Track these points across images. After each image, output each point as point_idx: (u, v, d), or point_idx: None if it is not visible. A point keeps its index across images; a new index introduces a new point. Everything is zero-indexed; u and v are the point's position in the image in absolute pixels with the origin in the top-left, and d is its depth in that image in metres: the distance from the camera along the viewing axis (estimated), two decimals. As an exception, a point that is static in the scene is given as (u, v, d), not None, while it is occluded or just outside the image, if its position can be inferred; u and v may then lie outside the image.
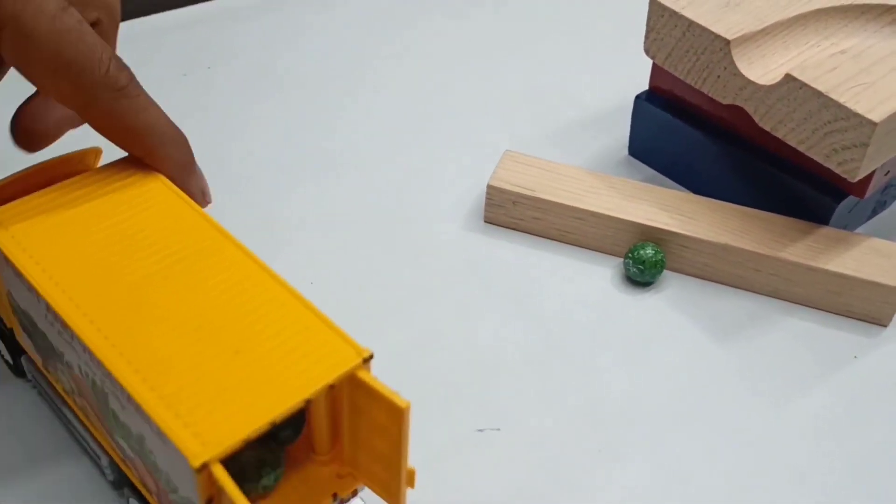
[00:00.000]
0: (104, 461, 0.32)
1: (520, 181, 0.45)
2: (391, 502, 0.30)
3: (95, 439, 0.32)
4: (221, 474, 0.25)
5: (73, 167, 0.34)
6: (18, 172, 0.32)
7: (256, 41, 0.57)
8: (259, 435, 0.26)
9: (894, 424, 0.38)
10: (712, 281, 0.43)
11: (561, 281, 0.43)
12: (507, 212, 0.45)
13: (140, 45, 0.56)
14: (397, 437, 0.27)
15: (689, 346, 0.41)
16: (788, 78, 0.39)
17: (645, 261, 0.42)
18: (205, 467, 0.25)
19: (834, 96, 0.38)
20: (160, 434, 0.26)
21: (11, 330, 0.34)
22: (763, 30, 0.41)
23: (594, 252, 0.45)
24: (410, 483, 0.29)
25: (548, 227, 0.45)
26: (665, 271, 0.44)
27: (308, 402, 0.27)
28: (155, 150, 0.33)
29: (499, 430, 0.37)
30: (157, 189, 0.33)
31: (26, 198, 0.32)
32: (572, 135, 0.52)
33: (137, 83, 0.32)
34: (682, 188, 0.48)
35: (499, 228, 0.46)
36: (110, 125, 0.32)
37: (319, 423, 0.29)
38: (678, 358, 0.40)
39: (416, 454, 0.36)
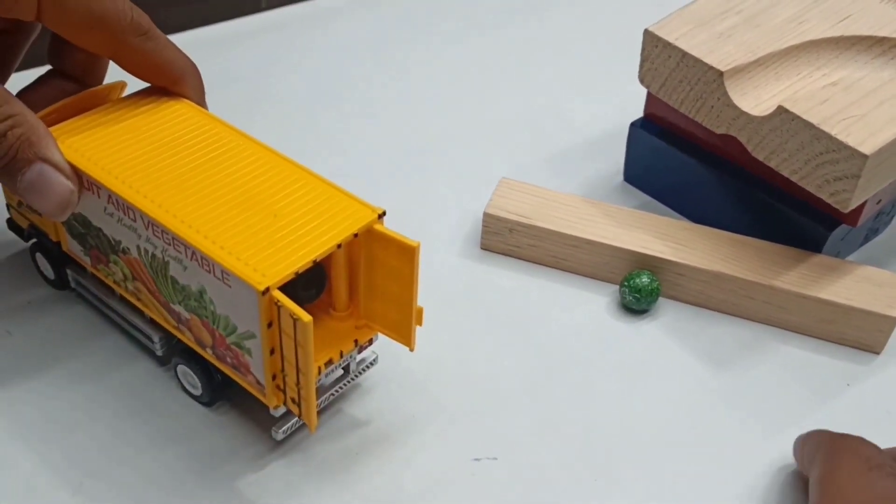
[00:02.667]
0: (155, 337, 0.38)
1: (516, 209, 0.45)
2: (403, 340, 0.36)
3: (146, 319, 0.38)
4: (280, 296, 0.31)
5: (104, 97, 0.39)
6: (58, 103, 0.38)
7: (252, 66, 0.58)
8: (304, 270, 0.32)
9: (887, 452, 0.38)
10: (707, 308, 0.44)
11: (557, 308, 0.44)
12: (504, 239, 0.45)
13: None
14: (409, 276, 0.34)
15: (685, 374, 0.41)
16: (781, 109, 0.40)
17: (641, 289, 0.42)
18: (267, 291, 0.30)
19: (825, 128, 0.38)
20: (224, 274, 0.31)
21: (58, 243, 0.39)
22: (756, 61, 0.42)
23: (590, 279, 0.45)
24: (419, 321, 0.36)
25: (544, 254, 0.45)
26: (660, 298, 0.44)
27: (333, 254, 0.33)
28: (178, 79, 0.39)
29: (495, 459, 0.37)
30: (184, 107, 0.39)
31: (73, 119, 0.37)
32: (568, 161, 0.52)
33: (155, 26, 0.38)
34: (677, 214, 0.49)
35: (495, 255, 0.46)
36: (140, 64, 0.38)
37: (339, 280, 0.35)
38: (674, 386, 0.40)
39: (413, 483, 0.36)
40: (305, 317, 0.30)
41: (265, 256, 0.32)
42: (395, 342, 0.36)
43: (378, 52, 0.60)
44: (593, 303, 0.44)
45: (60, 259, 0.40)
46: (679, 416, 0.39)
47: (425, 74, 0.58)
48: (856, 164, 0.38)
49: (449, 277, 0.45)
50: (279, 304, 0.31)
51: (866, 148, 0.38)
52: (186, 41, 0.59)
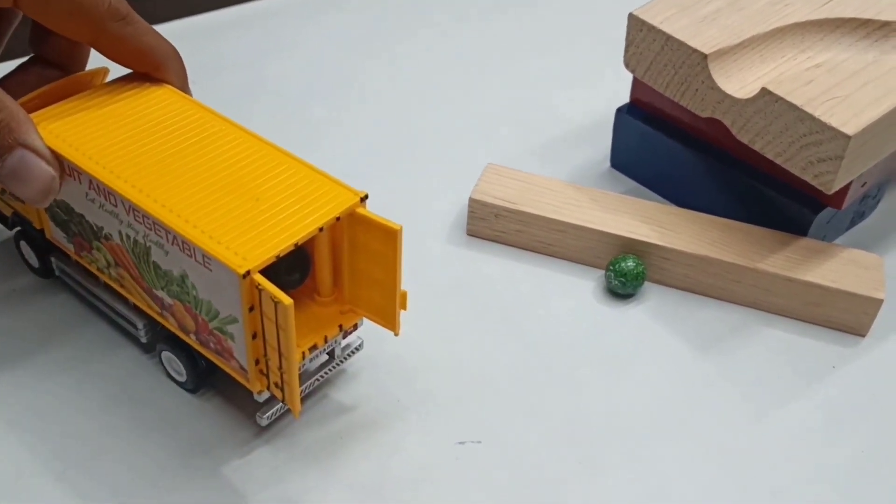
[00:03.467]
0: (140, 324, 0.38)
1: (502, 194, 0.45)
2: (388, 324, 0.36)
3: (130, 306, 0.38)
4: (261, 279, 0.31)
5: (86, 83, 0.39)
6: (41, 89, 0.38)
7: (241, 56, 0.58)
8: (286, 253, 0.31)
9: (872, 433, 0.38)
10: (693, 292, 0.44)
11: (543, 293, 0.44)
12: (490, 225, 0.45)
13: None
14: (392, 260, 0.34)
15: (670, 358, 0.41)
16: (764, 91, 0.40)
17: (626, 273, 0.42)
18: (248, 274, 0.30)
19: (809, 110, 0.38)
20: (205, 259, 0.31)
21: (41, 231, 0.39)
22: (740, 44, 0.42)
23: (576, 264, 0.45)
24: (403, 305, 0.36)
25: (530, 239, 0.45)
26: (646, 283, 0.44)
27: (316, 237, 0.33)
28: (160, 65, 0.39)
29: (480, 442, 0.37)
30: (166, 92, 0.39)
31: (54, 105, 0.37)
32: (554, 148, 0.52)
33: (135, 12, 0.38)
34: (664, 200, 0.49)
35: (481, 241, 0.46)
36: (120, 50, 0.38)
37: (322, 265, 0.35)
38: (659, 370, 0.40)
39: (399, 468, 0.36)
40: (286, 299, 0.30)
41: (246, 240, 0.32)
42: (380, 327, 0.36)
43: (367, 42, 0.60)
44: (579, 287, 0.44)
45: (44, 247, 0.40)
46: (665, 399, 0.39)
47: (414, 64, 0.58)
48: (839, 145, 0.38)
49: (435, 264, 0.45)
50: (260, 287, 0.31)
51: (849, 128, 0.37)
52: (176, 30, 0.59)
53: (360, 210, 0.33)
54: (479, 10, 0.63)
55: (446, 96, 0.56)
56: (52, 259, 0.40)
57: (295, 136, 0.52)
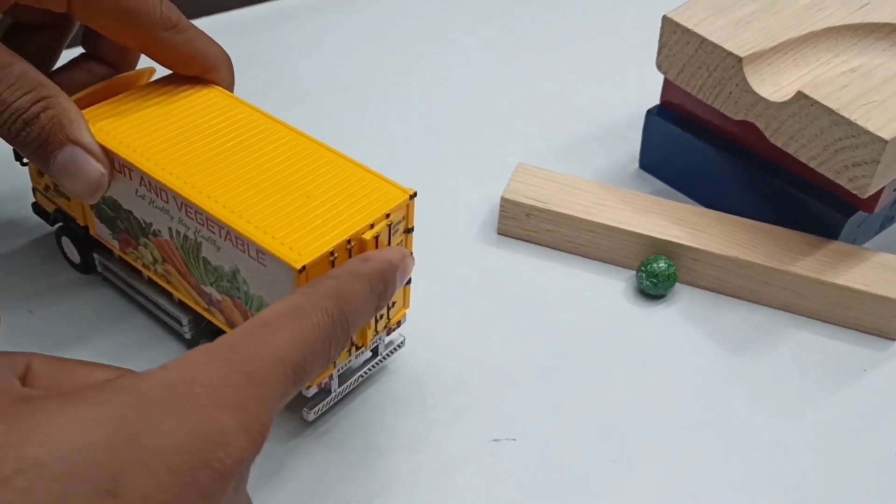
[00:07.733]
0: (184, 320, 0.38)
1: (533, 194, 0.45)
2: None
3: (175, 302, 0.38)
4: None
5: (132, 83, 0.40)
6: (89, 88, 0.38)
7: (269, 53, 0.58)
8: (339, 248, 0.32)
9: (903, 437, 0.39)
10: (723, 294, 0.44)
11: (574, 293, 0.44)
12: (521, 224, 0.46)
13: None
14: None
15: (701, 359, 0.41)
16: (800, 95, 0.40)
17: (658, 274, 0.43)
18: (304, 269, 0.31)
19: (845, 114, 0.38)
20: (260, 253, 0.32)
21: (85, 227, 0.40)
22: (774, 47, 0.42)
23: (607, 264, 0.45)
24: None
25: (561, 239, 0.45)
26: (677, 284, 0.44)
27: (368, 230, 0.33)
28: (210, 69, 0.39)
29: (514, 440, 0.37)
30: (214, 91, 0.39)
31: (105, 103, 0.38)
32: (583, 148, 0.52)
33: (185, 18, 0.38)
34: (693, 202, 0.49)
35: (512, 240, 0.46)
36: (170, 56, 0.38)
37: None
38: (689, 370, 0.41)
39: (433, 462, 0.36)
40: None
41: (300, 236, 0.32)
42: (418, 326, 0.36)
43: (395, 40, 0.60)
44: (610, 288, 0.44)
45: (87, 243, 0.40)
46: (695, 400, 0.39)
47: (442, 62, 0.58)
48: (875, 150, 0.38)
49: (466, 262, 0.45)
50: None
51: (886, 133, 0.38)
52: (203, 27, 0.59)
53: (410, 207, 0.34)
54: (506, 7, 0.63)
55: (474, 95, 0.56)
56: (95, 255, 0.41)
57: (321, 133, 0.52)
